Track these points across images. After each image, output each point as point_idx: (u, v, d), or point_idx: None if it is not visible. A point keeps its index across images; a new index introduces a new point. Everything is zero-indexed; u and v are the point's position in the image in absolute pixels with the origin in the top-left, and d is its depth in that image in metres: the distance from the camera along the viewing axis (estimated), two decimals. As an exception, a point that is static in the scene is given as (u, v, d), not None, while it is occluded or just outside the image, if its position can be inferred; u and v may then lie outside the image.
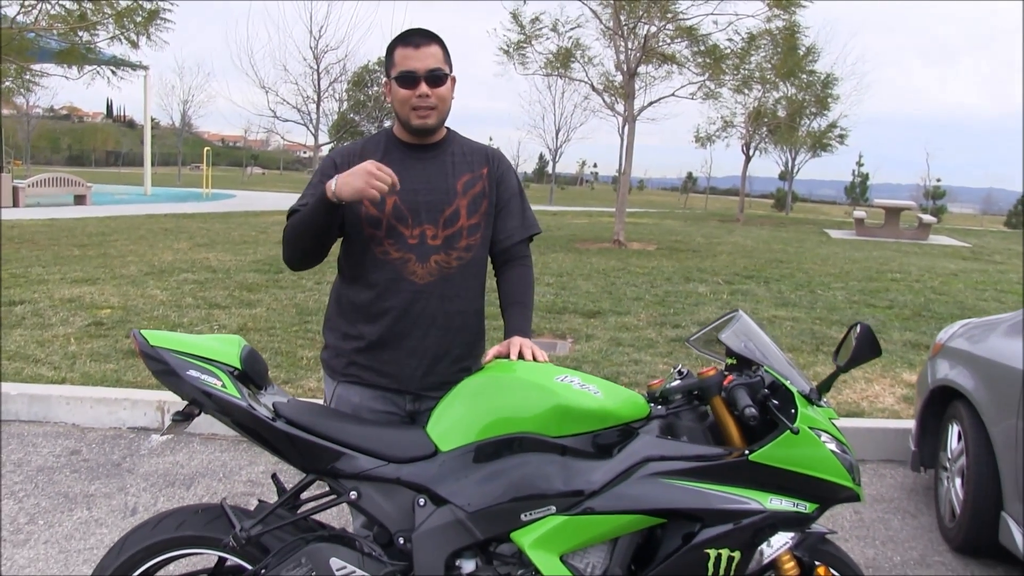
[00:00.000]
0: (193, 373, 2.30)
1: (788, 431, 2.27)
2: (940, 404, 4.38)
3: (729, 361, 2.54)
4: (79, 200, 24.96)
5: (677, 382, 2.50)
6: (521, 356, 2.46)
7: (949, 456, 4.13)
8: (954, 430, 4.13)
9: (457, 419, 2.36)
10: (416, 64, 2.51)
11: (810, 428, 2.33)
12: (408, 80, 2.51)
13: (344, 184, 2.36)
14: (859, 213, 24.76)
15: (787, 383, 2.39)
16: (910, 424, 5.25)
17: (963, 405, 4.02)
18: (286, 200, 31.18)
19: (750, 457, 2.29)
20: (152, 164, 34.70)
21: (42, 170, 40.68)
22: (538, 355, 2.48)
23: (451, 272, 2.61)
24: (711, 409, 2.43)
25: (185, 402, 2.36)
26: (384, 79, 2.66)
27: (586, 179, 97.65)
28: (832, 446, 2.37)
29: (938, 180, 54.43)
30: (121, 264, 10.96)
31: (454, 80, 2.62)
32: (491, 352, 2.51)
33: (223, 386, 2.30)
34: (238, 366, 2.38)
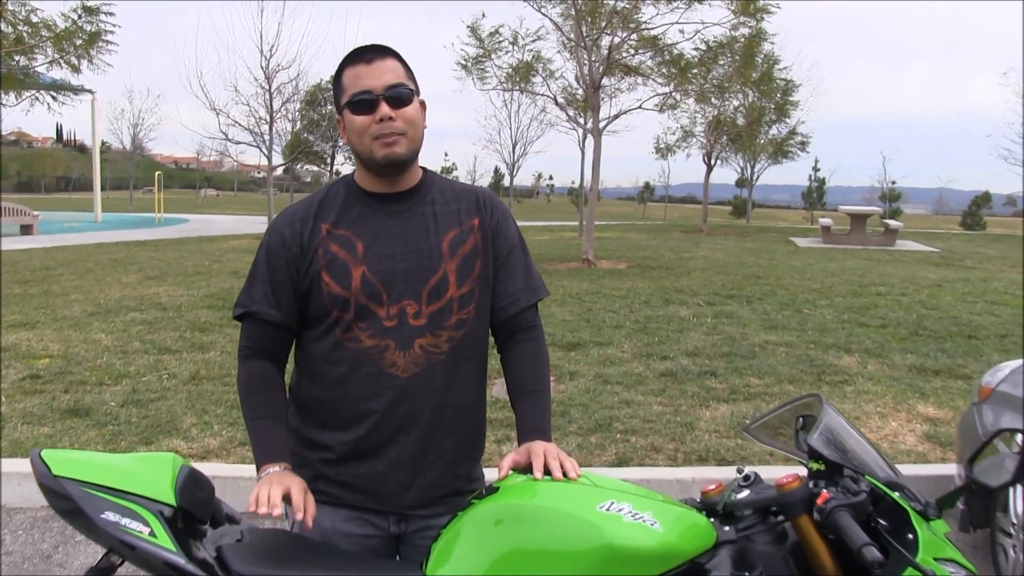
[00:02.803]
0: (110, 517, 1.71)
1: (909, 567, 1.72)
2: (991, 456, 3.87)
3: (814, 466, 1.98)
4: (25, 230, 23.92)
5: (746, 493, 1.93)
6: (547, 471, 1.88)
7: (1015, 521, 3.61)
8: (1019, 490, 3.62)
9: (466, 560, 1.78)
10: (372, 82, 1.95)
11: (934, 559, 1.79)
12: (364, 104, 1.95)
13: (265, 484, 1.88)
14: (825, 220, 24.61)
15: (896, 497, 1.85)
16: (942, 470, 4.77)
17: (1026, 461, 3.51)
18: (241, 224, 30.33)
19: None
20: (104, 188, 33.80)
21: (-13, 198, 39.36)
22: (569, 468, 1.87)
23: (441, 358, 2.03)
24: (795, 528, 1.88)
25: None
26: (336, 114, 2.06)
27: (542, 191, 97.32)
28: None
29: (893, 182, 54.65)
30: (64, 304, 10.20)
31: (424, 104, 2.06)
32: (506, 463, 1.92)
33: (151, 533, 1.71)
34: (172, 502, 1.79)
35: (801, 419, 2.17)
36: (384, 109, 1.95)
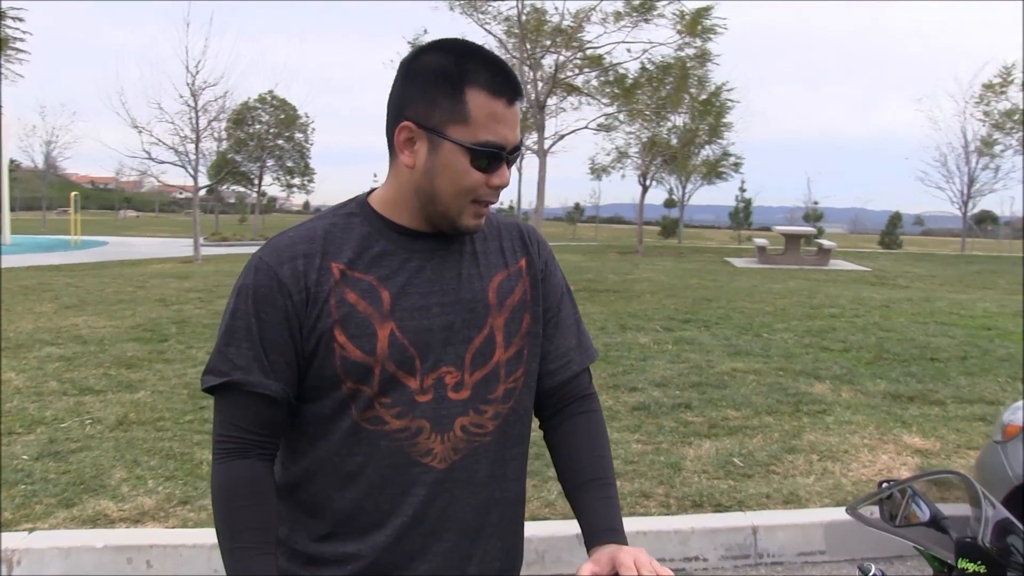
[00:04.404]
0: None
1: None
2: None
3: (968, 567, 1.53)
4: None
5: None
6: None
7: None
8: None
9: None
10: (507, 134, 1.45)
11: None
12: (492, 159, 1.45)
13: None
14: (761, 241, 24.85)
15: None
16: (952, 510, 4.41)
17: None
18: (163, 246, 29.22)
19: None
20: (13, 209, 32.13)
21: None
22: None
23: (486, 441, 1.54)
24: None
25: None
26: (406, 127, 1.46)
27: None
28: None
29: (816, 202, 55.86)
30: (-30, 337, 9.34)
31: None
32: (585, 574, 1.43)
33: None
34: None
35: (886, 483, 1.76)
36: (505, 174, 1.47)
